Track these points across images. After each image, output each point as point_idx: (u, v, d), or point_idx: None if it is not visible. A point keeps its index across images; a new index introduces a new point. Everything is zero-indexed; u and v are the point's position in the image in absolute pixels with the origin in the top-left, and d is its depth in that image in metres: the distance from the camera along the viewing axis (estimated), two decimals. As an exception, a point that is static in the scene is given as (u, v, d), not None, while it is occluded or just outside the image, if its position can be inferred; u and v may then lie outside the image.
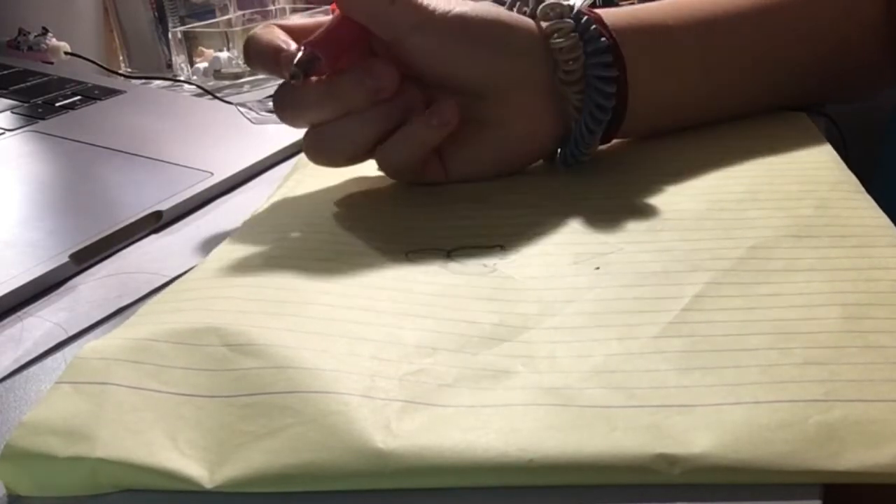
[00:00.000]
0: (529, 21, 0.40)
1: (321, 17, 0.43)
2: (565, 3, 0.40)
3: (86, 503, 0.23)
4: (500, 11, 0.40)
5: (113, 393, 0.25)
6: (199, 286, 0.32)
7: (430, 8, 0.38)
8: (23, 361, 0.30)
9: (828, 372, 0.24)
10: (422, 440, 0.23)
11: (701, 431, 0.22)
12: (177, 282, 0.34)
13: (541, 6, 0.40)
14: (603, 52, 0.39)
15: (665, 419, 0.23)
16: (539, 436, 0.23)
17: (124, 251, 0.39)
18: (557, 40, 0.39)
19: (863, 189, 0.36)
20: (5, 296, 0.34)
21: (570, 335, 0.27)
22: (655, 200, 0.37)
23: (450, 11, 0.38)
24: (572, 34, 0.39)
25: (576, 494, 0.22)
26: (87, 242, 0.38)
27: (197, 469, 0.23)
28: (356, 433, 0.23)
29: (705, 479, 0.22)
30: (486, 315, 0.29)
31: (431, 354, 0.27)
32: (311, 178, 0.44)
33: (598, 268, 0.32)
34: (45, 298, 0.35)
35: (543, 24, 0.40)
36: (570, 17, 0.39)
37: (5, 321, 0.33)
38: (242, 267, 0.34)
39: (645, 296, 0.29)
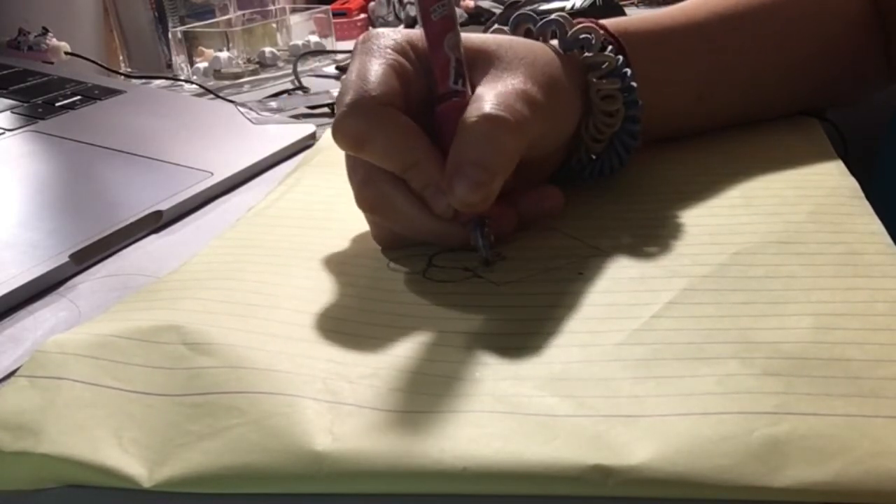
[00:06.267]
0: (565, 59, 0.37)
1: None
2: (599, 44, 0.37)
3: (30, 499, 0.23)
4: (552, 64, 0.35)
5: (67, 388, 0.25)
6: (174, 286, 0.32)
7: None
8: (23, 361, 0.30)
9: (785, 384, 0.23)
10: (358, 444, 0.22)
11: (642, 443, 0.21)
12: (155, 280, 0.34)
13: (590, 55, 0.37)
14: (636, 121, 0.38)
15: (609, 429, 0.22)
16: (478, 443, 0.22)
17: (124, 251, 0.39)
18: (606, 106, 0.37)
19: (862, 195, 0.35)
20: (5, 296, 0.34)
21: (536, 341, 0.27)
22: (646, 205, 0.37)
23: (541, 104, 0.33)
24: (618, 96, 0.37)
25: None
26: (87, 242, 0.38)
27: (137, 468, 0.23)
28: (296, 435, 0.23)
29: (640, 493, 0.21)
30: (455, 322, 0.29)
31: (390, 360, 0.26)
32: (309, 179, 0.44)
33: (581, 273, 0.31)
34: (45, 298, 0.35)
35: (591, 77, 0.37)
36: (616, 76, 0.37)
37: (5, 321, 0.33)
38: (222, 267, 0.34)
39: (618, 302, 0.29)
